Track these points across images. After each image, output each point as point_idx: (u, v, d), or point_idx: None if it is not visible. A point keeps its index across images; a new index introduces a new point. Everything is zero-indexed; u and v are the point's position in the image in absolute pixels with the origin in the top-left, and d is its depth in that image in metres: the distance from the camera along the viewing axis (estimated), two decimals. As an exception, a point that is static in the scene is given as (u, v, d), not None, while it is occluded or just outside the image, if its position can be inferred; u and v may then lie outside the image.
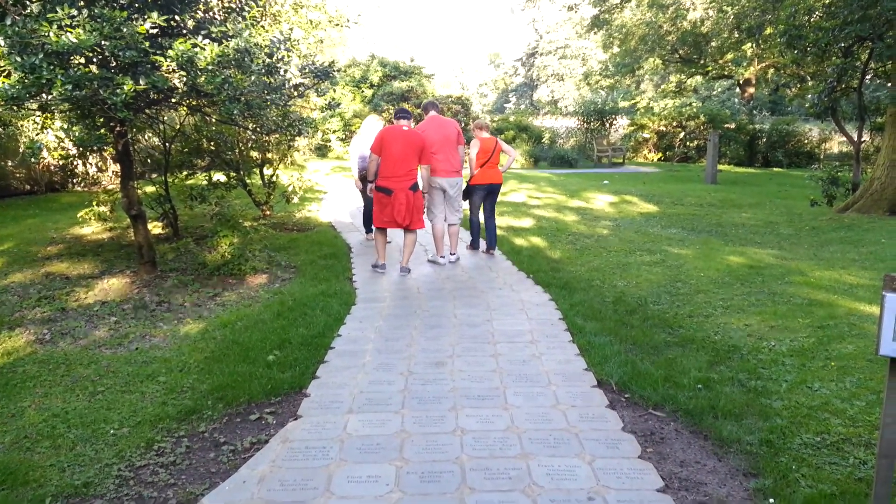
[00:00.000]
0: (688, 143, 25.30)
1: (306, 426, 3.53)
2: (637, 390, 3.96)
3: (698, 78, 31.29)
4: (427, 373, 4.25)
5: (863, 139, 13.01)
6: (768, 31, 21.05)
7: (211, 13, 6.00)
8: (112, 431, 3.49)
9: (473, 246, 7.99)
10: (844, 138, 16.08)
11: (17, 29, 4.55)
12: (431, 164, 6.95)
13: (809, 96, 18.47)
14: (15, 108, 5.28)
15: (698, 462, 3.17)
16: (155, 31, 5.01)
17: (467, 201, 7.81)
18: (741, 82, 29.19)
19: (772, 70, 27.85)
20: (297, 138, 9.66)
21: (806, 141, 25.05)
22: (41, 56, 4.53)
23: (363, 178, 8.18)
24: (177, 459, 3.22)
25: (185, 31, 5.60)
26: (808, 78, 20.87)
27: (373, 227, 8.06)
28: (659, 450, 3.29)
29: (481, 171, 7.53)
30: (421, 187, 6.86)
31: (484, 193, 7.67)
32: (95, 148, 6.61)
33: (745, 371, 4.21)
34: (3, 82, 4.55)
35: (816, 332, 4.86)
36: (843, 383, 3.93)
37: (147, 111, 6.59)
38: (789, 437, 3.34)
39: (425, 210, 7.15)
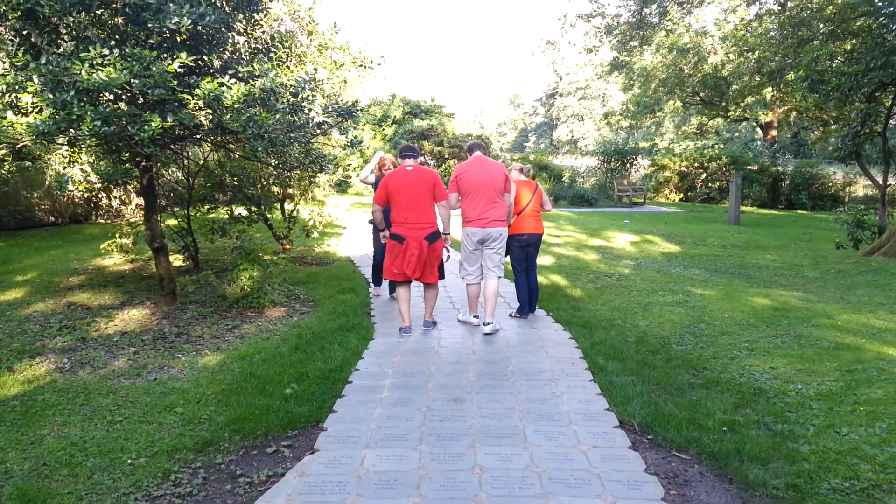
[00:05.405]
0: (710, 184, 25.21)
1: (323, 460, 3.49)
2: (660, 432, 3.88)
3: (720, 120, 31.34)
4: (445, 409, 4.20)
5: (888, 183, 12.86)
6: (790, 75, 21.09)
7: (238, 54, 6.16)
8: (129, 461, 3.47)
9: (521, 313, 6.72)
10: (869, 181, 15.93)
11: (50, 67, 4.69)
12: (465, 210, 6.11)
13: (833, 140, 18.38)
14: (45, 142, 5.41)
15: (724, 506, 3.08)
16: (183, 70, 5.13)
17: (507, 257, 6.60)
18: (763, 125, 29.18)
19: (794, 113, 27.84)
20: (318, 174, 9.78)
21: (830, 184, 24.82)
22: (73, 93, 4.67)
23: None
24: (193, 490, 3.20)
25: (212, 71, 5.74)
26: (831, 122, 20.79)
27: (385, 280, 7.53)
28: (683, 492, 3.21)
29: (516, 220, 6.50)
30: (442, 229, 6.12)
31: (522, 246, 6.58)
32: (120, 181, 6.74)
33: (772, 414, 4.11)
34: (36, 118, 4.68)
35: (844, 375, 4.74)
36: (872, 428, 3.81)
37: (172, 147, 6.73)
38: (817, 481, 3.23)
39: (459, 265, 6.38)
